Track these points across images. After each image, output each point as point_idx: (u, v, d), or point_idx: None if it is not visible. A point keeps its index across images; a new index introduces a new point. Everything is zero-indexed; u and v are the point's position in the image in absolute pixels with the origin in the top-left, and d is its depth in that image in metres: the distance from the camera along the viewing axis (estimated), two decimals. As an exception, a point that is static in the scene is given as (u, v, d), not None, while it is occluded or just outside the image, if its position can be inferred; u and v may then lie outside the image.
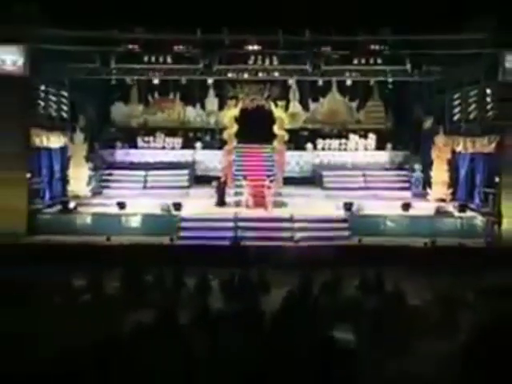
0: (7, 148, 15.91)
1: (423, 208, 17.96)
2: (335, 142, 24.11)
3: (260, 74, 23.04)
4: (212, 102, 25.19)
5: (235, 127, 21.45)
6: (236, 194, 20.08)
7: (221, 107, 24.88)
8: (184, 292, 12.66)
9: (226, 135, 21.80)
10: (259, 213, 17.71)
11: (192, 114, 25.08)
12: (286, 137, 22.04)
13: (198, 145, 23.78)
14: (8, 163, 15.91)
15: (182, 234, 16.28)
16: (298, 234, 16.25)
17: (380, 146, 23.88)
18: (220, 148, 23.36)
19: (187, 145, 23.83)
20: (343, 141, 24.08)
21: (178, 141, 24.01)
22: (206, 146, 23.75)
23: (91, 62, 19.30)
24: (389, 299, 10.98)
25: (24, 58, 15.84)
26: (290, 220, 16.99)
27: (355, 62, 19.03)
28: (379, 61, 18.69)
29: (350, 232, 16.34)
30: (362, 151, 23.96)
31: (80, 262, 12.97)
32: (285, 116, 22.22)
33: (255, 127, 22.29)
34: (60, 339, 7.00)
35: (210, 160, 23.43)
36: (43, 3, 13.50)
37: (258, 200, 18.32)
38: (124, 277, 12.72)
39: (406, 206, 17.47)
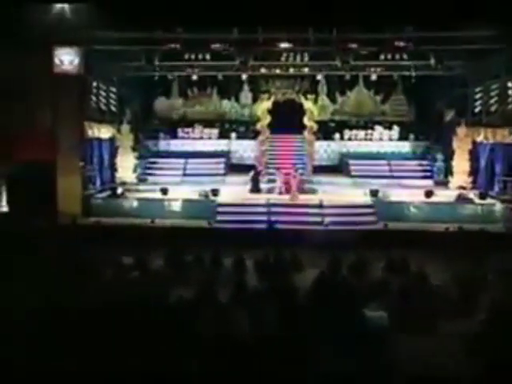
0: (65, 139, 16.29)
1: (445, 195, 17.75)
2: (361, 133, 23.76)
3: (291, 70, 22.99)
4: (246, 95, 24.81)
5: (268, 119, 21.44)
6: (268, 181, 19.87)
7: (254, 100, 24.41)
8: (221, 270, 12.87)
9: (259, 126, 21.72)
10: (291, 199, 17.59)
11: (227, 106, 24.89)
12: (316, 127, 21.92)
13: (233, 135, 23.66)
14: (66, 153, 16.32)
15: (219, 218, 16.26)
16: (327, 219, 16.13)
17: (403, 137, 23.47)
18: (253, 138, 23.39)
19: (223, 135, 23.75)
20: (369, 131, 23.75)
21: (215, 131, 23.93)
22: (241, 137, 23.58)
23: (137, 60, 19.51)
24: (413, 280, 10.99)
25: (79, 57, 16.18)
26: (320, 206, 16.88)
27: (381, 57, 18.84)
28: (404, 56, 18.49)
29: (376, 217, 16.17)
30: (386, 141, 23.61)
31: (127, 242, 13.14)
32: (314, 108, 22.08)
33: (286, 119, 22.05)
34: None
35: (244, 149, 23.40)
36: (96, 6, 13.68)
37: (290, 187, 18.16)
38: (167, 256, 12.92)
39: (429, 194, 17.24)
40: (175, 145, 23.64)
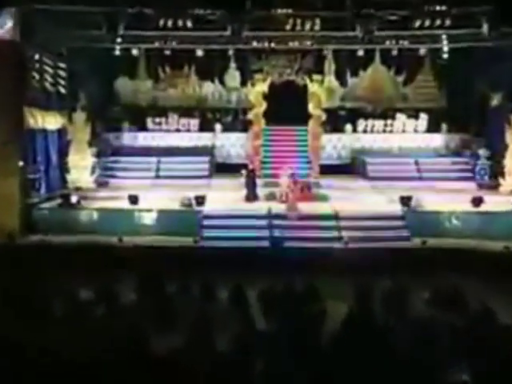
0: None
1: (496, 202, 16.95)
2: (379, 123, 23.33)
3: (290, 44, 22.22)
4: (233, 76, 24.23)
5: (264, 106, 21.20)
6: (266, 185, 19.38)
7: (243, 83, 24.00)
8: (216, 306, 11.83)
9: (252, 115, 21.64)
10: (299, 208, 16.81)
11: (210, 90, 24.40)
12: (324, 117, 21.34)
13: (218, 127, 23.20)
14: (-2, 149, 15.82)
15: (207, 233, 15.74)
16: (346, 234, 15.60)
17: (433, 128, 23.12)
18: (244, 130, 22.82)
19: (205, 127, 23.37)
20: (389, 122, 23.31)
21: (195, 122, 23.52)
22: (228, 129, 23.24)
23: (94, 27, 18.53)
24: (476, 319, 9.99)
25: (14, 19, 15.38)
26: (335, 217, 16.39)
27: (412, 25, 18.37)
28: (447, 22, 17.81)
29: (409, 232, 15.62)
30: (411, 134, 23.26)
31: (86, 269, 12.70)
32: (322, 92, 21.46)
33: (285, 106, 21.76)
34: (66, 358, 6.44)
35: (232, 144, 23.02)
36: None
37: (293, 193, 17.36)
38: (142, 287, 11.88)
39: (478, 201, 16.39)
40: (144, 139, 23.21)
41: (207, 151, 22.49)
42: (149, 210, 16.40)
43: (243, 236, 15.50)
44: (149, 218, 16.23)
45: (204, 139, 23.06)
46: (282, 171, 18.83)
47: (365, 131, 23.31)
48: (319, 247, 15.07)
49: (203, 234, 15.69)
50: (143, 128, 23.29)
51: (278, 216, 16.37)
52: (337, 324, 9.38)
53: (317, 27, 18.84)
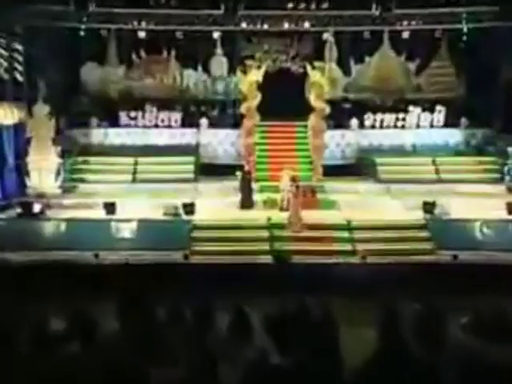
0: None
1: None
2: (389, 118, 23.25)
3: (285, 25, 22.33)
4: (219, 63, 24.02)
5: (258, 97, 20.75)
6: (262, 189, 19.29)
7: (230, 70, 23.99)
8: (215, 334, 11.46)
9: (244, 109, 21.07)
10: (303, 217, 16.66)
11: (192, 79, 24.19)
12: (327, 110, 20.96)
13: (204, 122, 22.94)
14: None
15: (198, 247, 15.61)
16: (361, 247, 15.59)
17: (451, 122, 23.09)
18: (234, 126, 22.51)
19: (188, 122, 23.13)
20: (400, 115, 23.23)
21: (176, 116, 23.27)
22: (214, 124, 23.04)
23: (59, 2, 18.44)
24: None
25: None
26: (348, 228, 16.34)
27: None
28: None
29: (434, 244, 15.51)
30: (426, 129, 23.24)
31: (55, 293, 12.28)
32: (325, 82, 21.03)
33: (281, 98, 21.44)
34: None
35: (219, 143, 22.78)
36: None
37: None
38: (124, 314, 11.51)
39: (514, 207, 16.24)
40: (117, 135, 22.90)
41: (191, 150, 22.21)
42: (129, 221, 16.22)
43: (240, 250, 15.35)
44: (129, 230, 16.07)
45: (187, 136, 22.81)
46: (282, 173, 18.52)
47: (373, 126, 23.23)
48: (331, 263, 14.87)
49: (194, 247, 15.51)
50: (115, 123, 23.03)
51: (280, 226, 16.32)
52: (360, 357, 9.16)
53: (325, 5, 18.42)
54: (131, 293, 11.60)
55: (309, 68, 21.34)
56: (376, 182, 20.74)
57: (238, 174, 18.47)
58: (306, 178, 19.67)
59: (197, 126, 22.79)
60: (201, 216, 16.72)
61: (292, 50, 24.20)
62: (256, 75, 20.77)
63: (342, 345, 10.15)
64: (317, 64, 21.70)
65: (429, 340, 10.45)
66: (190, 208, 16.58)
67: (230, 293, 12.02)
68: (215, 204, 18.04)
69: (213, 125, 22.96)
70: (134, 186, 20.10)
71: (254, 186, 19.14)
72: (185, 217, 16.49)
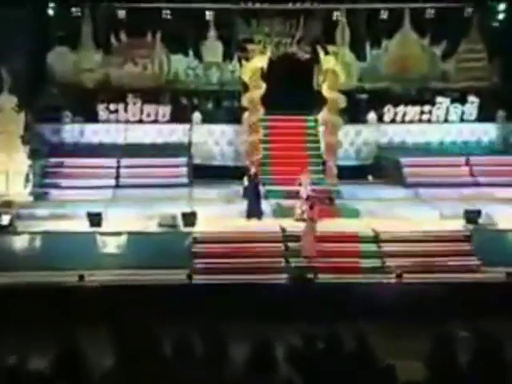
0: None
1: None
2: (413, 111, 23.28)
3: (290, 4, 22.78)
4: (213, 47, 23.97)
5: (262, 88, 20.71)
6: (269, 194, 19.31)
7: (226, 56, 23.97)
8: (231, 372, 11.30)
9: (246, 101, 20.98)
10: (322, 228, 16.65)
11: (182, 66, 24.12)
12: (343, 102, 20.85)
13: (197, 116, 22.82)
14: None
15: (201, 264, 15.68)
16: (392, 263, 15.71)
17: (486, 115, 23.23)
18: (232, 121, 22.47)
19: (178, 116, 23.08)
20: (426, 107, 23.31)
21: (164, 110, 23.22)
22: (209, 119, 23.07)
23: None
24: None
25: None
26: (376, 240, 16.45)
27: None
28: None
29: (479, 259, 15.56)
30: (456, 123, 23.38)
31: (29, 323, 12.64)
32: (340, 69, 20.91)
33: (286, 88, 21.74)
34: None
35: (215, 141, 22.81)
36: None
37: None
38: (119, 348, 11.44)
39: None
40: (95, 133, 22.87)
41: (183, 150, 22.13)
42: (118, 234, 16.20)
43: (252, 267, 15.49)
44: (119, 246, 16.05)
45: (177, 133, 22.81)
46: (300, 177, 18.44)
47: (393, 121, 23.30)
48: (361, 282, 14.95)
49: (197, 265, 15.58)
50: (92, 118, 22.97)
51: (294, 238, 16.35)
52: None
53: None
54: (126, 322, 11.58)
55: (321, 53, 21.32)
56: (401, 186, 20.84)
57: (246, 179, 18.59)
58: (321, 182, 19.84)
59: (188, 121, 22.64)
60: (202, 227, 16.69)
61: (297, 32, 24.18)
62: (260, 61, 20.78)
63: (382, 380, 10.15)
64: (330, 48, 21.67)
65: (489, 373, 10.39)
66: (190, 218, 16.55)
67: (244, 318, 12.50)
68: (216, 213, 18.01)
69: (207, 120, 22.95)
70: (118, 193, 19.97)
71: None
72: (184, 229, 16.49)
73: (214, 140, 22.75)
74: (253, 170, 18.70)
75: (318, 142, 21.89)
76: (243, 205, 18.26)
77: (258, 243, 16.19)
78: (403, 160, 21.60)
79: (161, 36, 23.61)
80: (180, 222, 16.65)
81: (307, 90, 22.03)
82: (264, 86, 20.66)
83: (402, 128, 23.30)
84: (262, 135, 21.34)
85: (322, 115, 21.28)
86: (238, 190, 19.53)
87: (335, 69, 20.77)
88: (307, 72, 23.09)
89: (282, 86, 21.51)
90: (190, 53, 23.99)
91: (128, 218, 17.33)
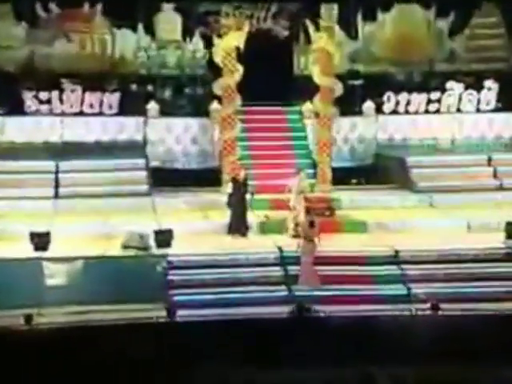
0: None
1: None
2: (418, 99, 23.53)
3: None
4: (170, 22, 23.94)
5: (239, 72, 20.83)
6: (255, 204, 19.11)
7: (186, 33, 23.95)
8: None
9: (219, 88, 21.07)
10: (324, 246, 16.59)
11: (130, 45, 23.93)
12: (340, 89, 20.90)
13: (152, 108, 22.80)
14: None
15: (181, 296, 15.54)
16: (419, 289, 15.70)
17: (506, 104, 23.65)
18: (198, 114, 22.38)
19: (129, 108, 23.04)
20: (434, 95, 23.54)
21: (110, 100, 23.10)
22: (168, 111, 23.07)
23: None
24: None
25: None
26: (396, 260, 16.51)
27: None
28: None
29: None
30: (471, 114, 23.71)
31: None
32: (334, 48, 20.91)
33: (260, 71, 21.66)
34: None
35: (177, 138, 22.72)
36: None
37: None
38: None
39: None
40: (20, 128, 22.59)
41: (136, 150, 22.26)
42: (72, 260, 15.80)
43: (244, 299, 15.44)
44: (75, 275, 15.73)
45: (129, 129, 22.81)
46: (292, 181, 18.33)
47: (395, 112, 23.51)
48: (382, 315, 14.61)
49: (174, 298, 15.43)
50: (17, 110, 22.70)
51: (296, 261, 16.23)
52: None
53: None
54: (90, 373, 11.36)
55: (310, 28, 21.19)
56: (410, 192, 21.07)
57: (230, 185, 18.46)
58: (312, 188, 19.89)
59: (142, 113, 22.70)
60: (177, 249, 16.47)
61: (273, 4, 24.09)
62: (236, 39, 20.74)
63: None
64: (323, 23, 21.26)
65: None
66: (165, 237, 16.30)
67: (243, 364, 12.66)
68: (190, 229, 17.92)
69: (166, 112, 22.96)
70: (60, 205, 19.74)
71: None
72: (157, 250, 16.28)
73: (174, 137, 22.66)
74: (242, 174, 18.48)
75: (305, 138, 22.01)
76: (222, 218, 18.25)
77: (251, 267, 16.13)
78: (410, 160, 21.74)
79: (102, 6, 23.45)
80: (151, 242, 16.40)
81: (286, 74, 22.34)
82: (241, 69, 20.70)
83: (406, 120, 23.51)
84: (241, 133, 21.49)
85: (308, 106, 21.48)
86: (211, 200, 19.62)
87: (328, 48, 20.74)
88: (286, 52, 23.25)
89: (255, 69, 21.35)
90: (140, 28, 23.81)
91: (79, 238, 17.15)
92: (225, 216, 18.29)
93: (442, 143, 23.20)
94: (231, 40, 20.71)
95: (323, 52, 20.76)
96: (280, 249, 16.52)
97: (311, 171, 20.88)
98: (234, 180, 18.38)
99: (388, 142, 23.20)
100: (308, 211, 17.12)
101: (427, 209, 19.89)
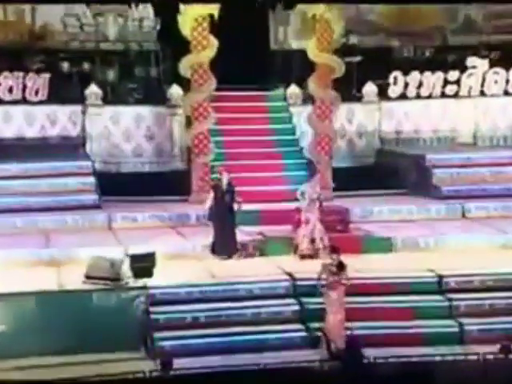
0: None
1: None
2: (432, 79, 23.71)
3: None
4: None
5: (213, 47, 21.14)
6: (241, 217, 19.20)
7: None
8: None
9: (187, 67, 21.21)
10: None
11: (56, 12, 23.93)
12: (341, 68, 20.99)
13: (92, 93, 22.76)
14: None
15: (166, 341, 15.51)
16: (473, 325, 15.73)
17: None
18: (153, 101, 22.38)
19: (62, 94, 23.15)
20: (452, 75, 23.68)
21: (36, 83, 23.00)
22: (113, 97, 23.38)
23: None
24: None
25: None
26: (440, 288, 16.58)
27: None
28: None
29: None
30: (498, 98, 23.93)
31: None
32: (336, 17, 20.97)
33: (230, 47, 21.91)
34: None
35: (125, 133, 22.83)
36: None
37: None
38: None
39: None
40: None
41: (74, 149, 22.19)
42: (19, 297, 15.72)
43: (248, 341, 15.56)
44: (25, 317, 15.58)
45: (61, 121, 22.91)
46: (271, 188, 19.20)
47: (403, 96, 23.65)
48: (432, 361, 14.40)
49: (161, 343, 15.40)
50: None
51: (316, 291, 15.91)
52: None
53: None
54: None
55: None
56: (430, 198, 21.25)
57: (208, 195, 18.71)
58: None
59: (79, 101, 22.56)
60: (157, 278, 16.40)
61: None
62: (209, 7, 21.01)
63: None
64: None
65: None
66: (144, 263, 16.22)
67: None
68: (163, 252, 17.65)
69: (110, 99, 23.12)
70: None
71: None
72: (133, 281, 16.12)
73: (122, 131, 22.60)
74: (224, 179, 18.55)
75: (292, 132, 22.15)
76: (198, 236, 18.55)
77: (256, 300, 16.12)
78: (431, 158, 21.67)
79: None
80: (125, 270, 16.11)
81: (261, 50, 22.56)
82: (216, 43, 20.96)
83: (417, 107, 23.62)
84: (215, 124, 21.86)
85: (295, 90, 21.99)
86: (180, 213, 19.83)
87: (326, 16, 20.77)
88: (260, 23, 23.30)
89: (223, 45, 21.64)
90: (71, -12, 23.69)
91: (22, 266, 17.07)
92: (201, 233, 18.50)
93: (463, 136, 23.43)
94: (202, 8, 20.72)
95: (321, 21, 20.82)
96: (290, 275, 16.51)
97: (303, 173, 20.80)
98: (216, 187, 18.49)
99: (394, 136, 23.36)
100: (334, 249, 16.45)
101: (459, 218, 20.23)
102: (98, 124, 22.43)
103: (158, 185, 20.84)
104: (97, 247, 17.38)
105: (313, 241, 17.58)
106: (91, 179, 21.03)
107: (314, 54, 20.80)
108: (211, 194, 18.56)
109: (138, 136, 22.45)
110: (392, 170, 22.48)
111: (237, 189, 19.48)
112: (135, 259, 16.31)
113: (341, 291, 15.48)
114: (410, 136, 23.38)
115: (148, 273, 16.24)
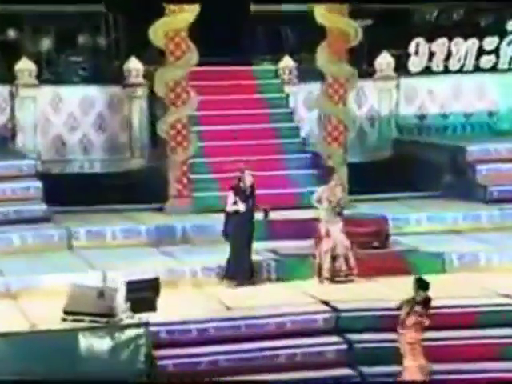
0: None
1: None
2: (463, 48, 24.20)
3: None
4: None
5: (195, 10, 22.19)
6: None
7: None
8: None
9: (159, 34, 21.91)
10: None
11: None
12: (358, 35, 21.37)
13: (24, 69, 23.25)
14: None
15: None
16: None
17: None
18: (107, 80, 22.62)
19: None
20: (488, 42, 24.34)
21: None
22: (52, 75, 23.51)
23: None
24: None
25: None
26: None
27: None
28: None
29: None
30: None
31: None
32: None
33: (208, 13, 22.59)
34: None
35: (71, 121, 23.09)
36: None
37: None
38: None
39: None
40: None
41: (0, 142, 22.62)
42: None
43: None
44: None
45: None
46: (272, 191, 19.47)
47: (427, 70, 24.02)
48: None
49: None
50: None
51: (362, 325, 16.73)
52: None
53: None
54: None
55: None
56: (476, 202, 21.51)
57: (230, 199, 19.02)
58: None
59: (7, 80, 22.70)
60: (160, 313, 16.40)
61: None
62: None
63: None
64: None
65: None
66: (145, 293, 16.11)
67: None
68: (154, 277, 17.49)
69: (50, 78, 23.11)
70: None
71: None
72: (131, 317, 16.03)
73: (65, 120, 22.52)
74: (247, 179, 18.55)
75: (290, 117, 22.33)
76: (195, 256, 19.17)
77: (290, 338, 16.32)
78: (474, 150, 21.84)
79: None
80: (120, 303, 16.03)
81: (241, 16, 22.89)
82: (197, 6, 21.61)
83: (445, 84, 23.82)
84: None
85: (288, 62, 22.36)
86: (159, 225, 20.19)
87: None
88: None
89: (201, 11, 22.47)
90: None
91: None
92: (195, 253, 19.20)
93: (504, 120, 23.81)
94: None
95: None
96: (332, 307, 16.66)
97: (307, 172, 21.10)
98: (236, 189, 18.39)
99: (416, 121, 23.70)
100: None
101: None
102: (32, 110, 22.42)
103: (112, 189, 21.00)
104: (64, 273, 17.50)
105: (334, 258, 17.72)
106: (36, 183, 20.98)
107: (323, 17, 20.92)
108: (230, 199, 18.70)
109: (85, 125, 22.52)
110: (415, 166, 22.69)
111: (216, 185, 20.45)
112: (132, 287, 16.21)
113: (420, 332, 15.53)
114: (436, 122, 23.66)
115: (150, 305, 16.09)
